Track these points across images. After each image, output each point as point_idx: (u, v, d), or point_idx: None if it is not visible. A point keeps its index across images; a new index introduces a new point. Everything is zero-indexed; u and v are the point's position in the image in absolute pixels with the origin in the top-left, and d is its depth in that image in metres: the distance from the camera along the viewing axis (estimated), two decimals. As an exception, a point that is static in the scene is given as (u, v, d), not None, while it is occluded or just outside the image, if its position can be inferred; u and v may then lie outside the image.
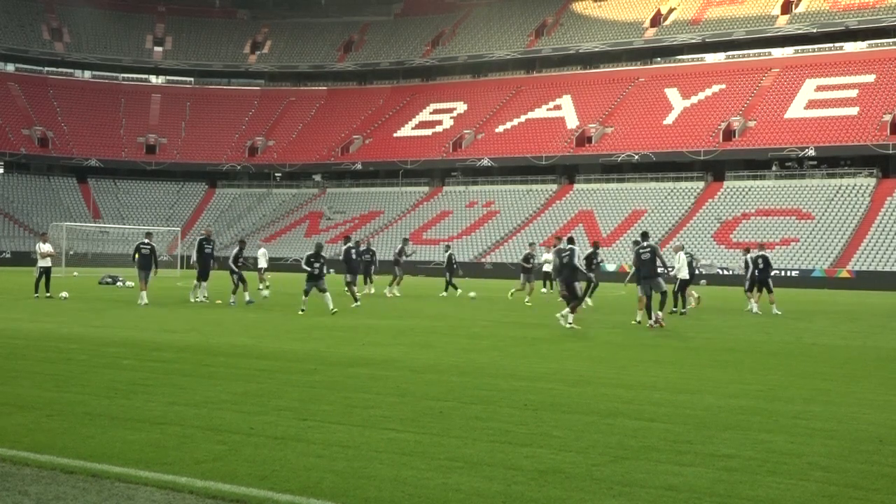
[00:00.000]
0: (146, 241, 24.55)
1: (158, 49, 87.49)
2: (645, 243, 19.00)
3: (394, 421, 7.96)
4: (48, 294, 25.22)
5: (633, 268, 19.53)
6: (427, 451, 6.80)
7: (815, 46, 69.57)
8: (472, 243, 62.31)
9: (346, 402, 8.89)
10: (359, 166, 75.95)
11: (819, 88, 65.50)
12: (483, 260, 59.42)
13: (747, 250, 24.89)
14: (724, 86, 69.51)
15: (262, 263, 30.27)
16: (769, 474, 6.33)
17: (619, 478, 6.18)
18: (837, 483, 6.17)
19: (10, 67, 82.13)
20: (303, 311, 20.83)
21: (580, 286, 18.85)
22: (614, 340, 16.02)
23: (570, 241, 19.02)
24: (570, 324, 17.67)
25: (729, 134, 64.43)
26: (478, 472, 6.26)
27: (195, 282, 24.54)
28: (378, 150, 76.44)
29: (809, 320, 22.15)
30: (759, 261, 23.98)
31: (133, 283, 31.82)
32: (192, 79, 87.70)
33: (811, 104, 64.44)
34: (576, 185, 68.00)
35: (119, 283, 34.29)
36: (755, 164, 63.20)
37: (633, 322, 19.16)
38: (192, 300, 24.17)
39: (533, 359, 12.97)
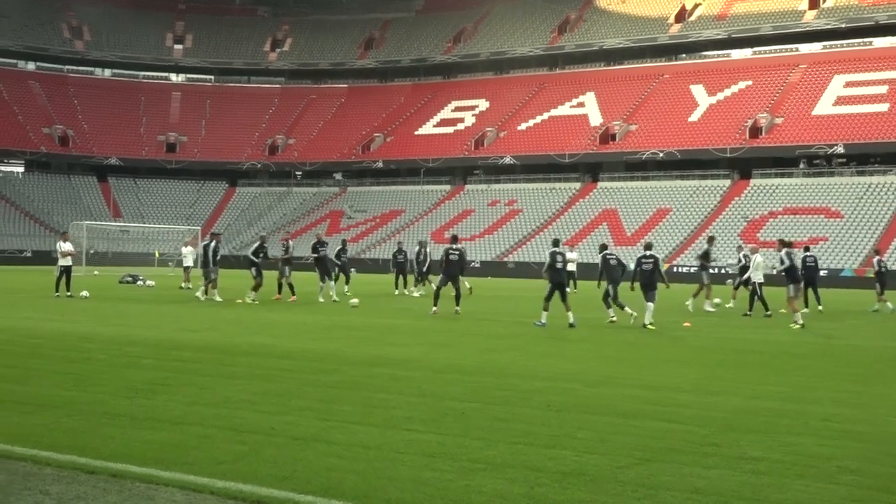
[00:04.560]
0: (206, 241, 27.30)
1: (178, 47, 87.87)
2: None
3: (415, 422, 7.89)
4: (68, 293, 25.31)
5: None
6: (449, 453, 6.74)
7: (844, 42, 68.74)
8: (494, 242, 62.15)
9: (367, 402, 8.83)
10: (380, 165, 75.96)
11: (848, 84, 64.77)
12: (505, 259, 59.28)
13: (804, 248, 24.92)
14: (750, 82, 68.91)
15: (188, 262, 31.86)
16: (797, 478, 6.22)
17: (643, 480, 6.09)
18: (868, 487, 6.05)
19: (31, 66, 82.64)
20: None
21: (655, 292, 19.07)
22: (634, 340, 15.88)
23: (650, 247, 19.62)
24: (648, 323, 18.00)
25: (756, 131, 63.86)
26: (500, 473, 6.19)
27: (320, 283, 25.52)
28: (399, 148, 76.40)
29: (839, 321, 21.91)
30: (809, 259, 25.36)
31: (153, 283, 33.77)
32: (212, 77, 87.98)
33: (840, 100, 63.73)
34: (599, 184, 67.66)
35: (139, 283, 34.43)
36: (782, 161, 62.58)
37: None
38: (321, 300, 24.84)
39: (554, 359, 12.87)
